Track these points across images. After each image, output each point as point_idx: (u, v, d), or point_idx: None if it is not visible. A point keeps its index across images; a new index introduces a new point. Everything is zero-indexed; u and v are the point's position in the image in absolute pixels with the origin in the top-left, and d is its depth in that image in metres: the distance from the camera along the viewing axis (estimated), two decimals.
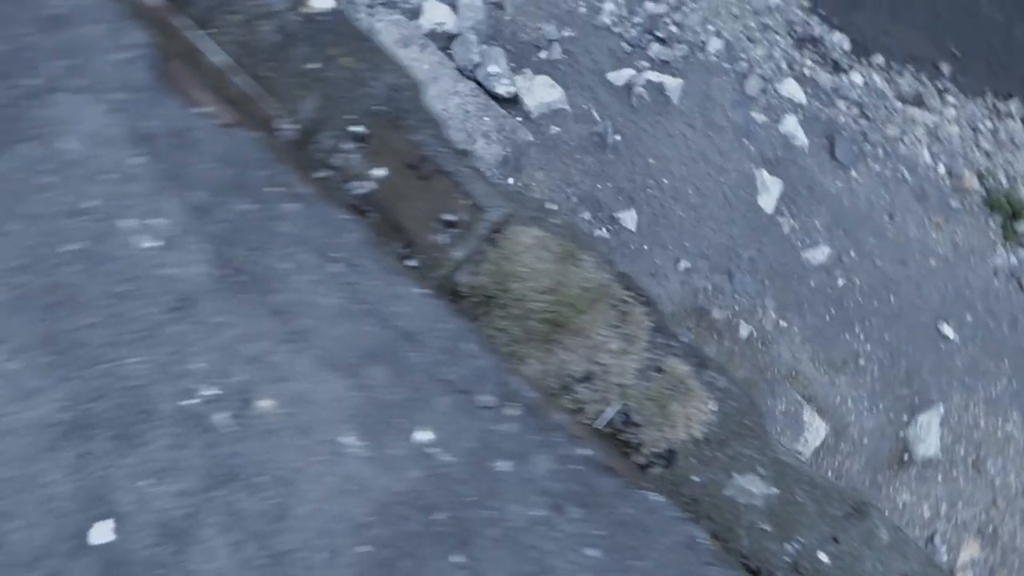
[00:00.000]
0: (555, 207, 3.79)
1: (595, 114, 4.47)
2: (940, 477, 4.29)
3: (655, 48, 4.82)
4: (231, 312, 2.85)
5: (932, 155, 5.40)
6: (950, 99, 5.76)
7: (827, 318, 4.38)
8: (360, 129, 3.20)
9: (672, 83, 4.65)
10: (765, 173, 4.66)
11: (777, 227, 4.56)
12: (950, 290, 4.86)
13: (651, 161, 4.34)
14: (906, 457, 4.28)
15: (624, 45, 4.80)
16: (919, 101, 5.55)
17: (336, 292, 2.97)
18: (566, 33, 4.64)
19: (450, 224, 3.16)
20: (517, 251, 3.11)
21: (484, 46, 4.27)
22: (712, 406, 3.11)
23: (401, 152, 3.17)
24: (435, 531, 2.81)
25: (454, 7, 4.29)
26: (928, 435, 4.27)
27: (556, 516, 2.87)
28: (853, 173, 5.03)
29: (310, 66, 3.27)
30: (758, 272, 4.27)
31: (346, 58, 3.33)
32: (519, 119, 3.98)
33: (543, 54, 4.50)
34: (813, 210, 4.71)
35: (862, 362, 4.38)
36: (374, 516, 2.80)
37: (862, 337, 4.51)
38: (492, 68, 4.17)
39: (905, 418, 4.37)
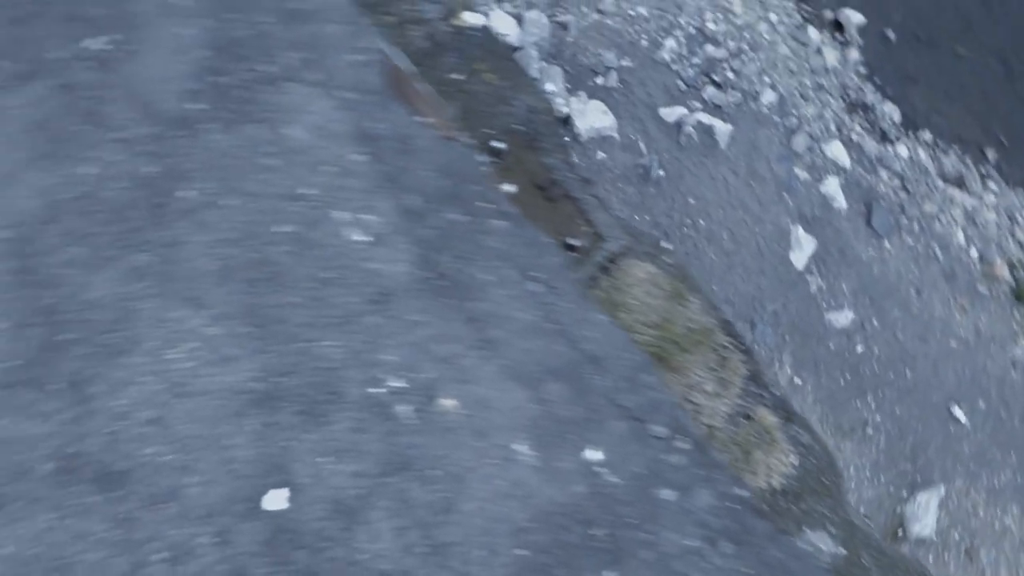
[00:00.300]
0: (670, 247, 5.07)
1: (642, 146, 5.42)
2: (931, 558, 4.78)
3: (710, 91, 5.80)
4: (428, 312, 4.09)
5: (966, 237, 6.23)
6: (992, 185, 6.63)
7: (841, 382, 5.10)
8: (499, 145, 4.26)
9: (722, 128, 5.59)
10: (800, 230, 5.48)
11: (805, 285, 5.39)
12: (967, 374, 5.50)
13: (691, 201, 5.26)
14: (900, 533, 4.84)
15: (680, 83, 5.78)
16: (961, 182, 6.46)
17: (532, 309, 4.22)
18: (625, 63, 5.64)
19: (570, 248, 4.16)
20: (629, 283, 4.03)
21: (544, 63, 5.22)
22: (793, 459, 3.90)
23: (532, 172, 4.17)
24: (591, 545, 3.52)
25: (520, 20, 5.27)
26: (926, 515, 4.88)
27: (709, 549, 3.60)
28: (887, 243, 5.83)
29: (455, 76, 4.35)
30: (780, 326, 5.00)
31: (490, 74, 4.33)
32: (567, 139, 5.15)
33: (599, 80, 5.48)
34: (842, 273, 5.49)
35: (870, 431, 5.07)
36: (535, 523, 3.54)
37: (873, 407, 5.21)
38: (548, 86, 5.11)
39: (905, 494, 4.96)
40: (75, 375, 3.62)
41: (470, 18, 4.57)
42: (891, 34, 6.88)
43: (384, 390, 3.83)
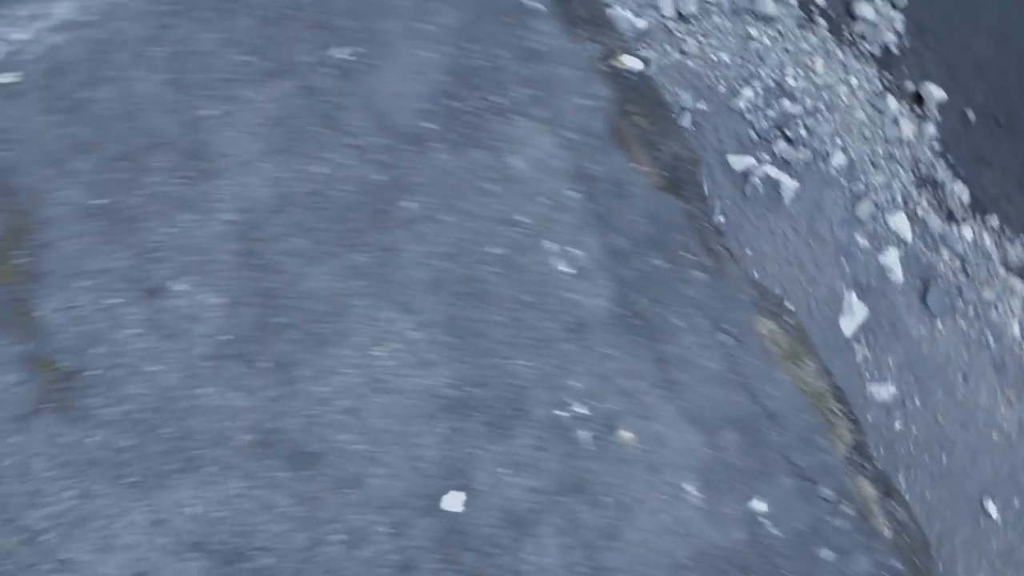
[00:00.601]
0: (792, 307, 5.39)
1: (706, 189, 5.68)
2: None
3: (781, 145, 6.14)
4: (619, 348, 4.51)
5: (1022, 330, 6.34)
6: None
7: (874, 456, 5.38)
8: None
9: (788, 183, 5.90)
10: (854, 296, 5.75)
11: (851, 352, 5.65)
12: (1005, 469, 5.64)
13: (748, 252, 5.62)
14: None
15: (752, 133, 6.13)
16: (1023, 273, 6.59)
17: (719, 359, 4.60)
18: (700, 106, 6.04)
19: None
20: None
21: None
22: (888, 534, 4.32)
23: None
24: None
25: None
26: None
27: None
28: (939, 323, 6.00)
29: None
30: None
31: (640, 117, 5.10)
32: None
33: (673, 119, 5.75)
34: (890, 347, 5.70)
35: None
36: (694, 562, 4.07)
37: (903, 486, 5.36)
38: None
39: None
40: (284, 357, 4.19)
41: (629, 62, 5.18)
42: (971, 114, 7.14)
43: (568, 414, 4.34)
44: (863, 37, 6.97)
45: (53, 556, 3.74)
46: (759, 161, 6.04)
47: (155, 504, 3.84)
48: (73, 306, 4.01)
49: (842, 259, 5.88)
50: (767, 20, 6.36)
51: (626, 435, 4.28)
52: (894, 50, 6.97)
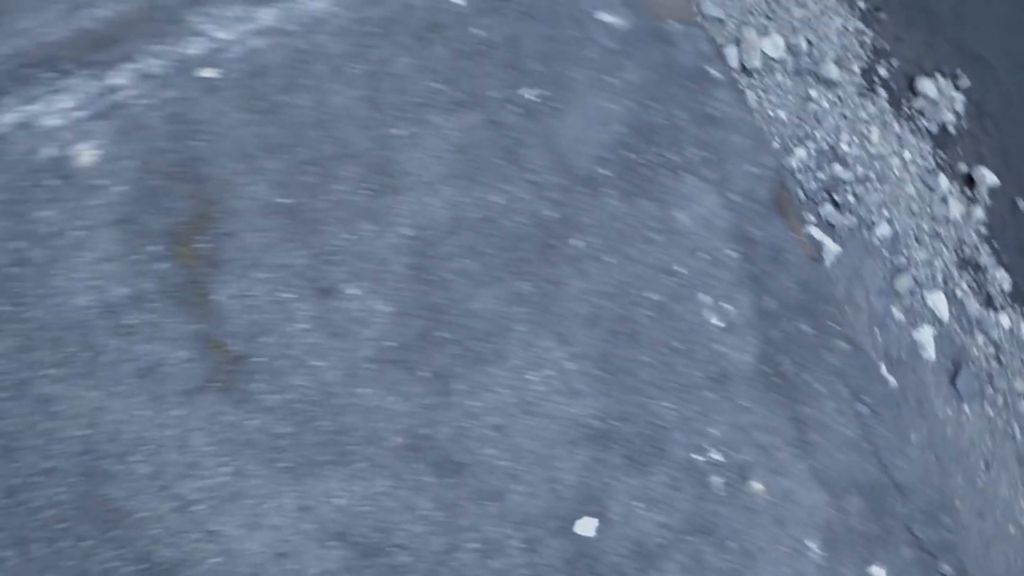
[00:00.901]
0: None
1: None
2: None
3: (827, 208, 6.06)
4: (758, 403, 4.69)
5: None
6: None
7: None
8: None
9: (831, 247, 5.83)
10: (883, 368, 5.66)
11: None
12: (1019, 563, 5.51)
13: None
14: None
15: (800, 193, 6.04)
16: None
17: (853, 427, 4.76)
18: None
19: None
20: None
21: None
22: None
23: None
24: None
25: None
26: None
27: None
28: (966, 407, 5.89)
29: None
30: None
31: None
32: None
33: None
34: (913, 423, 5.61)
35: None
36: None
37: None
38: None
39: None
40: (443, 369, 4.39)
41: None
42: (1021, 204, 7.08)
43: (704, 459, 4.50)
44: (922, 113, 6.99)
45: (202, 526, 3.96)
46: (803, 222, 5.97)
47: (304, 491, 4.04)
48: (248, 295, 4.21)
49: (876, 329, 5.88)
50: (829, 84, 6.42)
51: (757, 486, 4.40)
52: (951, 130, 6.99)
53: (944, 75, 7.11)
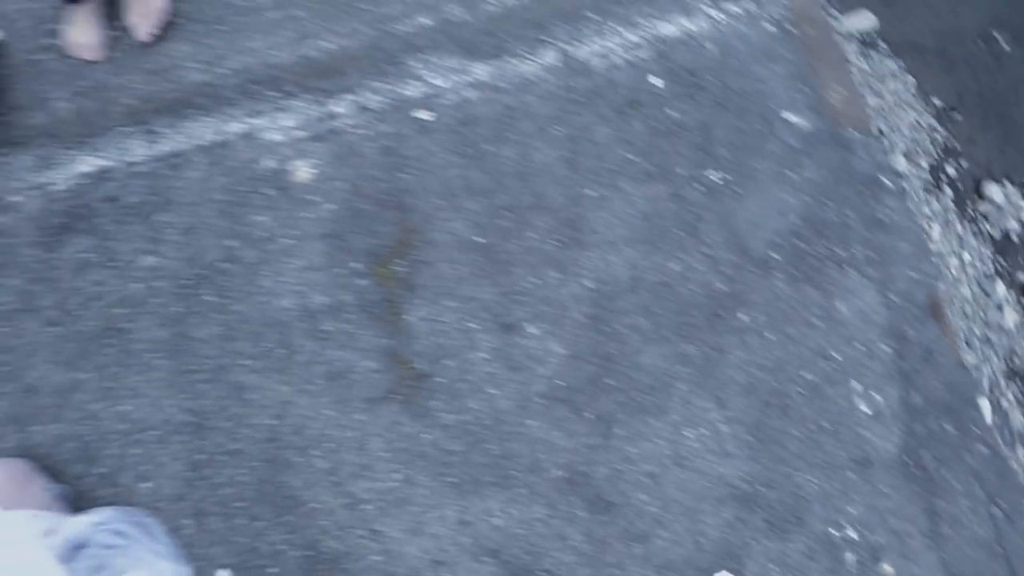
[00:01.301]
0: None
1: None
2: None
3: None
4: (896, 490, 4.92)
5: None
6: None
7: None
8: None
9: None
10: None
11: None
12: None
13: None
14: None
15: None
16: None
17: (986, 527, 4.91)
18: None
19: None
20: None
21: None
22: None
23: None
24: None
25: None
26: None
27: None
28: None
29: None
30: None
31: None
32: None
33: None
34: None
35: None
36: None
37: None
38: None
39: None
40: (606, 414, 4.65)
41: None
42: None
43: (840, 535, 4.69)
44: (986, 217, 6.94)
45: (368, 525, 4.25)
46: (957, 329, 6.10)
47: (466, 506, 4.29)
48: (437, 320, 4.55)
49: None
50: (895, 175, 6.68)
51: (888, 569, 4.57)
52: (1014, 238, 6.94)
53: (1013, 183, 7.10)
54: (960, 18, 7.15)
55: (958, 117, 7.15)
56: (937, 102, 7.14)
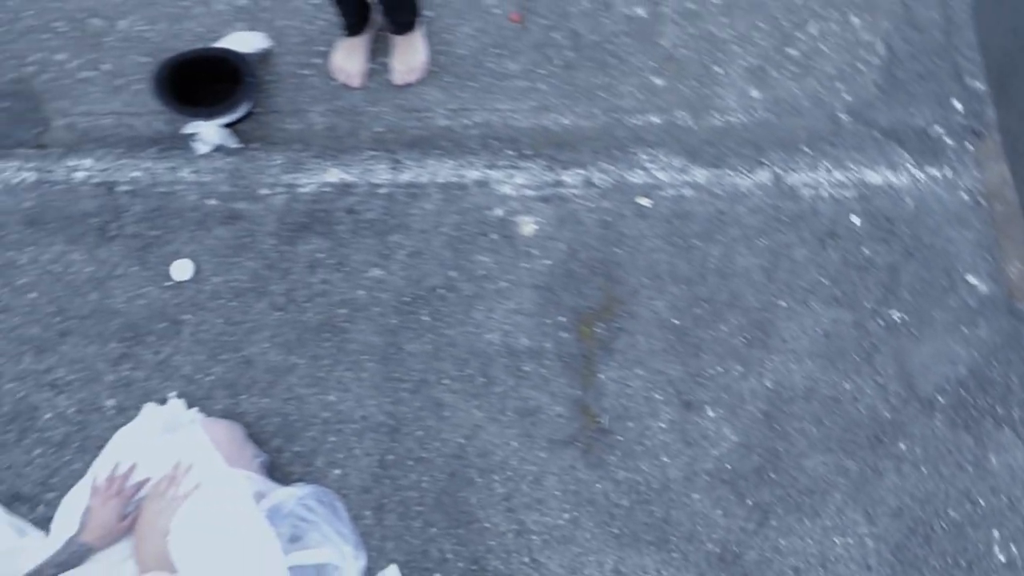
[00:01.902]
0: None
1: None
2: None
3: None
4: None
5: None
6: None
7: None
8: None
9: None
10: None
11: None
12: None
13: None
14: None
15: None
16: None
17: None
18: None
19: None
20: None
21: None
22: None
23: None
24: None
25: None
26: None
27: None
28: None
29: None
30: None
31: None
32: None
33: None
34: None
35: None
36: None
37: None
38: None
39: None
40: (765, 504, 4.94)
41: None
42: None
43: None
44: None
45: (532, 554, 4.60)
46: None
47: (623, 558, 4.60)
48: (626, 383, 4.96)
49: None
50: None
51: None
52: None
53: None
54: None
55: None
56: None
